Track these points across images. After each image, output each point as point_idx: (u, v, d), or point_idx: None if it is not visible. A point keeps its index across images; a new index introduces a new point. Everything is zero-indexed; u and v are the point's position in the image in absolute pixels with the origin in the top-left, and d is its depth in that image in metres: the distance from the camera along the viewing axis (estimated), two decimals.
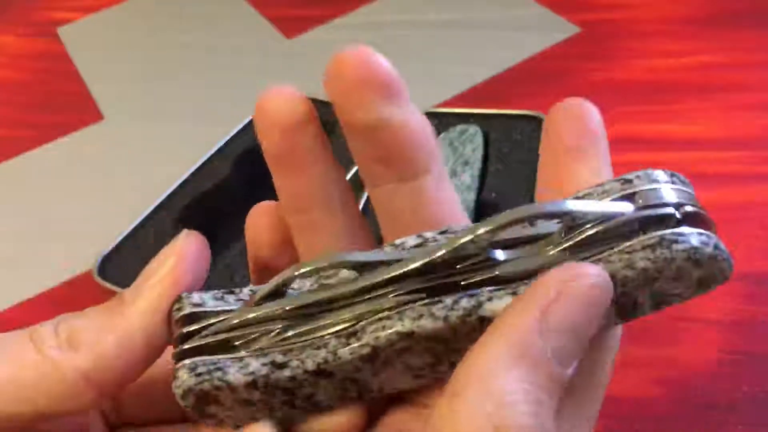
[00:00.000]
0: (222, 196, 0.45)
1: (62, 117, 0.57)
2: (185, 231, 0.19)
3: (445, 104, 0.51)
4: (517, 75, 0.53)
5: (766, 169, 0.42)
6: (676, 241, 0.16)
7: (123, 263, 0.40)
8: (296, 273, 0.18)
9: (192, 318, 0.18)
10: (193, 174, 0.45)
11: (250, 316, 0.18)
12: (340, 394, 0.18)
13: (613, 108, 0.48)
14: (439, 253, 0.17)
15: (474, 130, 0.44)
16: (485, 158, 0.43)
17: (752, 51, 0.51)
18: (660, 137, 0.46)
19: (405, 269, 0.17)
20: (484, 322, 0.17)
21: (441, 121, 0.46)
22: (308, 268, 0.18)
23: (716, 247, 0.17)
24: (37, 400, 0.17)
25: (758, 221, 0.39)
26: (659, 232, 0.17)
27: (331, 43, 0.60)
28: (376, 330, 0.17)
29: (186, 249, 0.18)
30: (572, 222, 0.17)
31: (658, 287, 0.17)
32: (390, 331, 0.17)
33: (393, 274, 0.17)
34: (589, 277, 0.15)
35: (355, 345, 0.17)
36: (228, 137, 0.47)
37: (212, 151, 0.46)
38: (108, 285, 0.39)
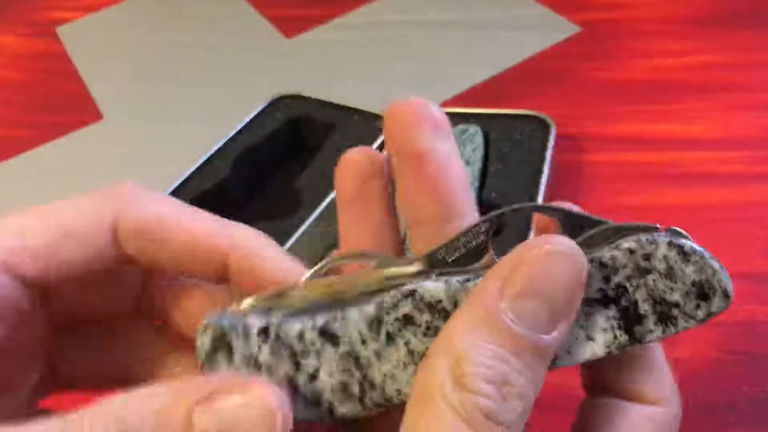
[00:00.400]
0: (222, 196, 0.45)
1: (62, 117, 0.57)
2: (281, 412, 0.17)
3: (445, 104, 0.51)
4: (517, 75, 0.53)
5: (766, 169, 0.42)
6: (659, 234, 0.18)
7: None
8: (333, 261, 0.19)
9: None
10: (193, 174, 0.45)
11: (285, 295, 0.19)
12: (342, 383, 0.18)
13: (613, 108, 0.48)
14: (440, 246, 0.19)
15: (474, 130, 0.44)
16: (485, 158, 0.43)
17: (752, 51, 0.51)
18: (660, 137, 0.46)
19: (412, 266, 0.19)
20: None
21: None
22: (345, 259, 0.19)
23: (704, 251, 0.17)
24: None
25: (758, 221, 0.39)
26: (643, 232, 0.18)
27: (331, 43, 0.60)
28: (383, 296, 0.18)
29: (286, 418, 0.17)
30: (566, 220, 0.18)
31: (653, 284, 0.17)
32: (393, 291, 0.18)
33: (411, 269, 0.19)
34: (549, 244, 0.16)
35: (362, 305, 0.18)
36: (228, 137, 0.47)
37: (212, 151, 0.46)
38: None
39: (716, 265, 0.17)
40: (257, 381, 0.17)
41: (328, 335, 0.18)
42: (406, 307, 0.18)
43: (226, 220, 0.21)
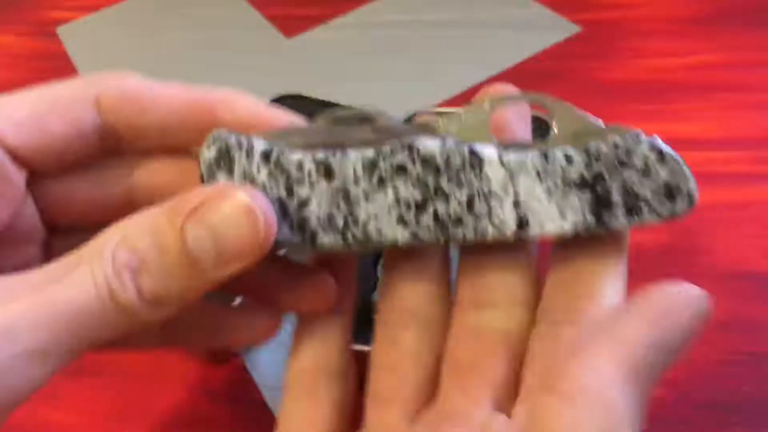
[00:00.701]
0: None
1: None
2: (262, 213, 0.19)
3: (445, 104, 0.51)
4: (517, 75, 0.53)
5: (766, 169, 0.42)
6: (644, 135, 0.20)
7: None
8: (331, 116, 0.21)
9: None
10: None
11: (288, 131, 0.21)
12: (329, 214, 0.20)
13: (614, 107, 0.48)
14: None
15: None
16: None
17: (752, 51, 0.51)
18: (661, 137, 0.46)
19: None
20: (474, 157, 0.19)
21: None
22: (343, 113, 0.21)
23: (682, 159, 0.19)
24: (91, 338, 0.19)
25: (758, 221, 0.39)
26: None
27: (331, 43, 0.60)
28: (384, 145, 0.20)
29: (269, 237, 0.19)
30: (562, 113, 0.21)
31: (628, 178, 0.19)
32: (393, 141, 0.20)
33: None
34: (699, 299, 0.18)
35: (364, 148, 0.20)
36: None
37: None
38: None
39: (688, 172, 0.19)
40: (242, 187, 0.19)
41: (324, 168, 0.20)
42: (401, 157, 0.20)
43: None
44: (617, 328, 0.17)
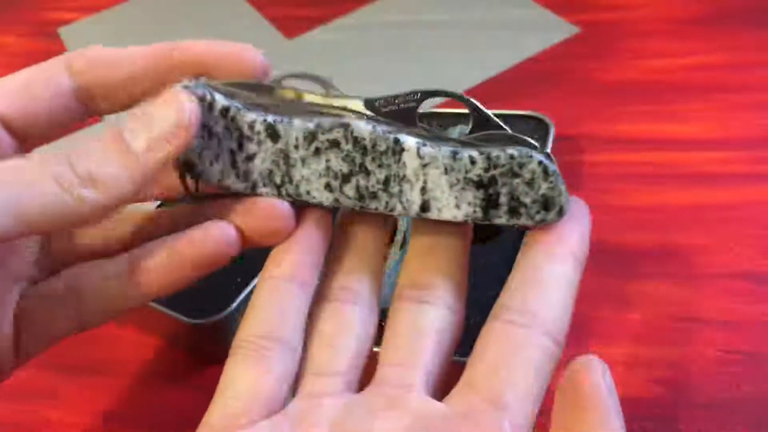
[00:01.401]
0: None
1: None
2: (186, 95, 0.22)
3: (445, 104, 0.51)
4: (516, 75, 0.53)
5: (766, 169, 0.42)
6: (537, 153, 0.22)
7: None
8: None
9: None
10: None
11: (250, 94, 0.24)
12: (269, 169, 0.23)
13: (613, 108, 0.48)
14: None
15: None
16: None
17: (752, 51, 0.51)
18: (659, 137, 0.46)
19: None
20: (397, 145, 0.23)
21: (441, 121, 0.46)
22: (300, 77, 0.25)
23: (560, 175, 0.22)
24: (52, 222, 0.21)
25: (758, 221, 0.39)
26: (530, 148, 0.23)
27: (331, 43, 0.60)
28: (322, 118, 0.23)
29: (193, 117, 0.22)
30: (477, 119, 0.24)
31: (516, 186, 0.22)
32: (332, 119, 0.23)
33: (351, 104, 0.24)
34: (174, 94, 0.22)
35: (307, 120, 0.23)
36: None
37: None
38: None
39: (563, 189, 0.22)
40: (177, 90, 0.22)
41: (272, 131, 0.23)
42: (337, 134, 0.23)
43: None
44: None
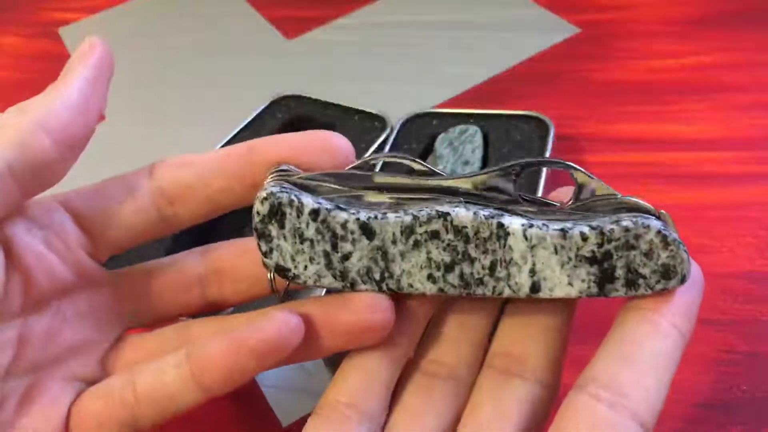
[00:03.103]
0: None
1: None
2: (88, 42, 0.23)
3: (445, 104, 0.51)
4: (516, 75, 0.53)
5: (766, 169, 0.42)
6: (653, 219, 0.21)
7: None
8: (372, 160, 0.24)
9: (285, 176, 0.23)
10: None
11: (333, 185, 0.23)
12: (368, 266, 0.22)
13: (613, 108, 0.48)
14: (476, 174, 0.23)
15: (474, 130, 0.44)
16: (485, 158, 0.43)
17: (752, 51, 0.51)
18: (659, 138, 0.46)
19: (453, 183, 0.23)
20: (501, 230, 0.21)
21: (441, 121, 0.46)
22: (389, 157, 0.24)
23: (681, 242, 0.21)
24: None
25: (758, 221, 0.39)
26: (643, 214, 0.22)
27: (331, 43, 0.61)
28: (421, 209, 0.22)
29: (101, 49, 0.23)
30: (578, 190, 0.23)
31: (633, 258, 0.21)
32: (430, 209, 0.22)
33: (445, 183, 0.23)
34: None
35: (402, 214, 0.22)
36: (228, 138, 0.47)
37: None
38: None
39: (686, 256, 0.21)
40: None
41: (366, 229, 0.22)
42: (436, 225, 0.22)
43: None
44: None
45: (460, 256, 0.22)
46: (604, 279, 0.22)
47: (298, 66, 0.59)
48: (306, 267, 0.23)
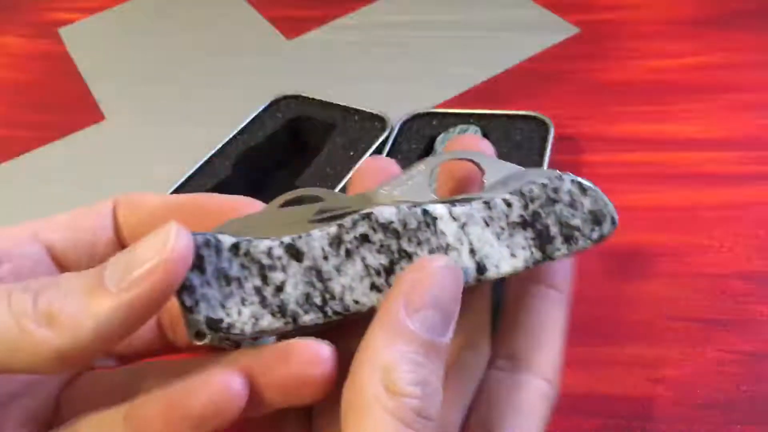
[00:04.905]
0: None
1: (63, 117, 0.57)
2: (175, 226, 0.19)
3: (445, 104, 0.51)
4: (516, 75, 0.53)
5: (766, 169, 0.42)
6: (566, 174, 0.22)
7: None
8: (292, 195, 0.23)
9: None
10: (193, 174, 0.45)
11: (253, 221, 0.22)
12: (306, 294, 0.21)
13: (613, 108, 0.48)
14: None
15: (474, 130, 0.44)
16: None
17: (752, 51, 0.51)
18: (659, 138, 0.46)
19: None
20: (428, 216, 0.21)
21: (441, 121, 0.46)
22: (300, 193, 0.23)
23: (597, 187, 0.22)
24: (4, 361, 0.18)
25: (758, 221, 0.39)
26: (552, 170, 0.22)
27: (331, 44, 0.61)
28: (344, 219, 0.21)
29: (178, 247, 0.18)
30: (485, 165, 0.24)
31: (559, 212, 0.22)
32: (353, 215, 0.21)
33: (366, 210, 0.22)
34: (436, 262, 0.20)
35: (325, 226, 0.21)
36: (228, 137, 0.47)
37: (212, 152, 0.47)
38: None
39: (606, 198, 0.22)
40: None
41: (293, 251, 0.21)
42: (363, 228, 0.21)
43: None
44: (379, 313, 0.19)
45: (396, 255, 0.21)
46: (543, 240, 0.22)
47: (298, 66, 0.59)
48: (239, 312, 0.20)
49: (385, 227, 0.21)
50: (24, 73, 0.64)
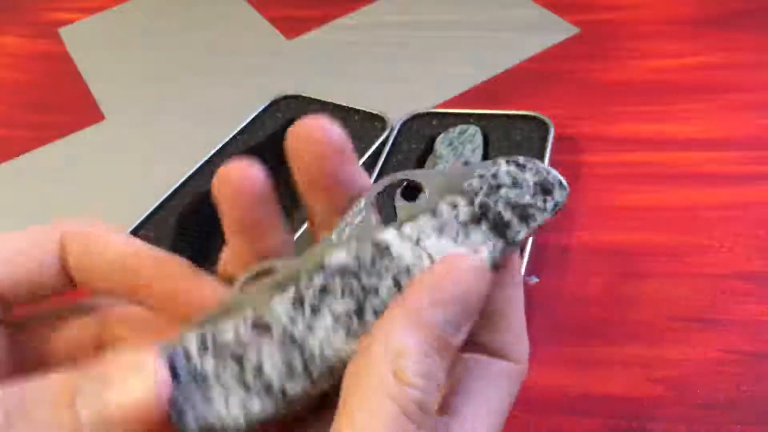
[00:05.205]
0: None
1: (63, 117, 0.57)
2: (155, 364, 0.18)
3: (445, 104, 0.51)
4: (516, 76, 0.53)
5: (765, 169, 0.42)
6: (498, 159, 0.21)
7: None
8: (248, 275, 0.21)
9: None
10: (193, 174, 0.45)
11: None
12: (286, 363, 0.20)
13: (613, 108, 0.48)
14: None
15: (474, 130, 0.44)
16: (485, 158, 0.43)
17: (752, 51, 0.51)
18: (659, 138, 0.46)
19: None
20: (379, 246, 0.20)
21: (441, 121, 0.46)
22: (256, 270, 0.21)
23: (532, 158, 0.21)
24: None
25: (758, 221, 0.39)
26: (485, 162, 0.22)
27: (331, 44, 0.61)
28: (299, 279, 0.20)
29: (159, 389, 0.18)
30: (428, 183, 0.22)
31: (505, 195, 0.21)
32: (306, 269, 0.20)
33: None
34: (469, 261, 0.20)
35: (282, 292, 0.20)
36: (229, 137, 0.47)
37: (212, 152, 0.47)
38: None
39: (548, 167, 0.21)
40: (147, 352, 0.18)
41: (260, 326, 0.20)
42: (319, 279, 0.20)
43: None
44: (405, 296, 0.19)
45: (361, 295, 0.20)
46: (500, 228, 0.21)
47: (298, 66, 0.59)
48: (227, 406, 0.20)
49: (342, 271, 0.20)
50: (24, 73, 0.64)
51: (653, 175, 0.43)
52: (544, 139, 0.43)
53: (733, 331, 0.34)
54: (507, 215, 0.21)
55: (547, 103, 0.49)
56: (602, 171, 0.44)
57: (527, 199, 0.21)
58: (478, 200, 0.21)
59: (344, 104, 0.48)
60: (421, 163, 0.44)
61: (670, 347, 0.34)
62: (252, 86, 0.56)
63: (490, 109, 0.46)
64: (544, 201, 0.21)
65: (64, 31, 0.68)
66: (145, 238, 0.42)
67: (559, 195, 0.21)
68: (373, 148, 0.45)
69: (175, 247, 0.41)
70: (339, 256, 0.20)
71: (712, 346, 0.34)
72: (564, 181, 0.21)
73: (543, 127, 0.44)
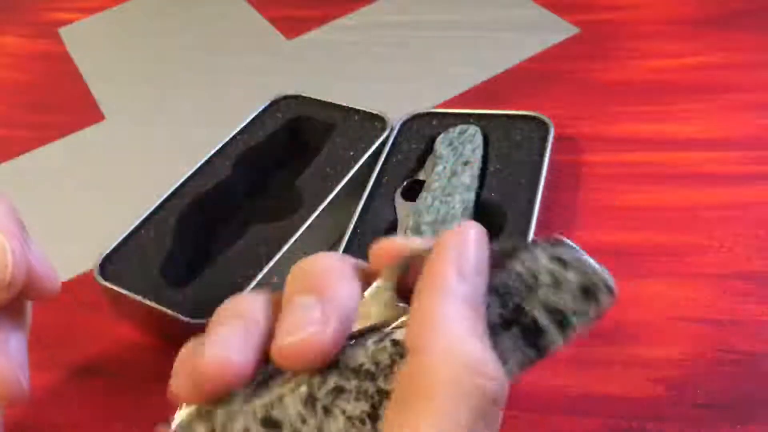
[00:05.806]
0: (222, 196, 0.45)
1: (63, 117, 0.57)
2: None
3: (445, 104, 0.51)
4: (516, 76, 0.53)
5: (765, 169, 0.42)
6: (537, 248, 0.19)
7: (124, 263, 0.40)
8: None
9: None
10: (193, 174, 0.45)
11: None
12: None
13: (613, 108, 0.48)
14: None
15: (474, 130, 0.44)
16: (485, 158, 0.43)
17: (752, 51, 0.51)
18: (659, 138, 0.46)
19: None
20: (399, 347, 0.19)
21: (441, 121, 0.46)
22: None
23: (577, 248, 0.19)
24: None
25: (758, 221, 0.39)
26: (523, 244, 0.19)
27: (331, 44, 0.61)
28: (311, 377, 0.19)
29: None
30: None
31: (544, 297, 0.19)
32: (321, 372, 0.19)
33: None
34: (472, 228, 0.20)
35: (295, 388, 0.19)
36: (228, 138, 0.47)
37: (212, 152, 0.47)
38: (109, 285, 0.39)
39: (594, 264, 0.19)
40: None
41: (270, 423, 0.19)
42: (334, 379, 0.19)
43: None
44: (428, 281, 0.19)
45: (377, 398, 0.19)
46: (532, 335, 0.19)
47: (298, 66, 0.59)
48: None
49: (357, 372, 0.19)
50: (24, 73, 0.64)
51: (653, 175, 0.43)
52: (544, 139, 0.43)
53: (733, 331, 0.34)
54: (543, 321, 0.19)
55: (547, 103, 0.49)
56: (602, 171, 0.44)
57: (567, 303, 0.19)
58: (511, 302, 0.19)
59: (344, 104, 0.48)
60: (421, 163, 0.44)
61: (670, 347, 0.34)
62: (252, 86, 0.56)
63: (490, 109, 0.46)
64: (586, 306, 0.19)
65: (64, 31, 0.68)
66: (145, 238, 0.42)
67: (603, 300, 0.19)
68: (373, 148, 0.45)
69: (175, 247, 0.41)
70: (358, 356, 0.19)
71: (712, 346, 0.34)
72: (611, 284, 0.19)
73: (543, 127, 0.44)
